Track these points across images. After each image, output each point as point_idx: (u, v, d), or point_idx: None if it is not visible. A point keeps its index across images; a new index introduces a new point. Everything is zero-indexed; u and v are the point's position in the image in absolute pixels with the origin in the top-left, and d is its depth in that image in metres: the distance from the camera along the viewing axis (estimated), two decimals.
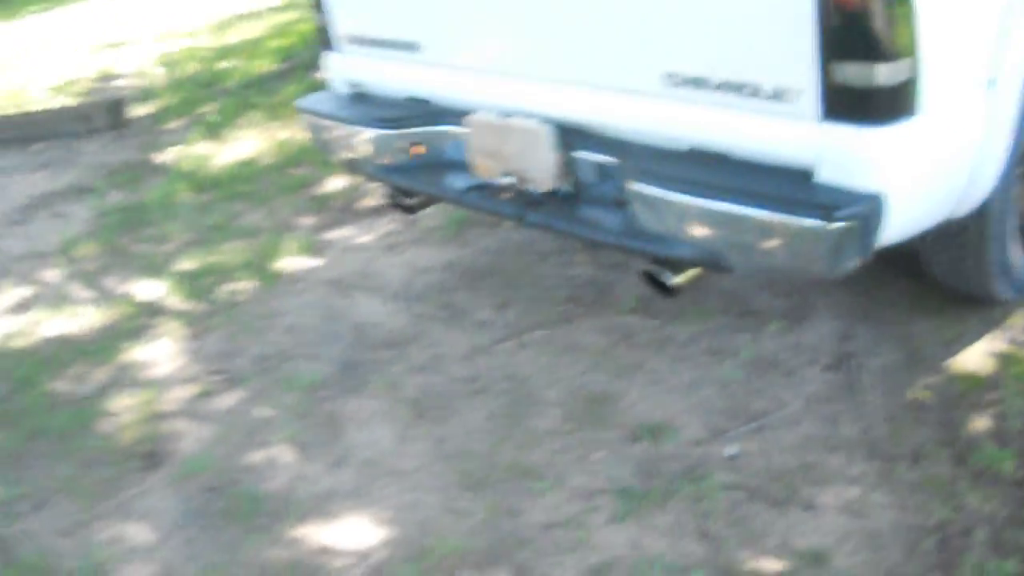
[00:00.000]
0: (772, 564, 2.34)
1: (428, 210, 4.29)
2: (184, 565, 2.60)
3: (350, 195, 4.82)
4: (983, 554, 2.29)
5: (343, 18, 3.47)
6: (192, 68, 7.88)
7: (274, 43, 8.05)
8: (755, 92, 2.39)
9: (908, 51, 2.23)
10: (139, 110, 6.93)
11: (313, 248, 4.35)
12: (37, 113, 7.06)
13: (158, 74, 7.91)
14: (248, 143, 5.88)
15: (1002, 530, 2.35)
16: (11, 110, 7.46)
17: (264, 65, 7.41)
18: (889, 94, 2.25)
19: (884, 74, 2.22)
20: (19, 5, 13.60)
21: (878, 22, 2.19)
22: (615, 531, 2.50)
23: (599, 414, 2.94)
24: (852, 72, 2.24)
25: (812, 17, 2.22)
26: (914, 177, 2.40)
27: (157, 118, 6.72)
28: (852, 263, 2.37)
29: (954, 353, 3.00)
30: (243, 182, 5.28)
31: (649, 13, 2.53)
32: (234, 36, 8.79)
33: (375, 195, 4.66)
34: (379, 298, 3.83)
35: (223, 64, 7.83)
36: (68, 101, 7.52)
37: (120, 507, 2.85)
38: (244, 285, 4.11)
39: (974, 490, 2.47)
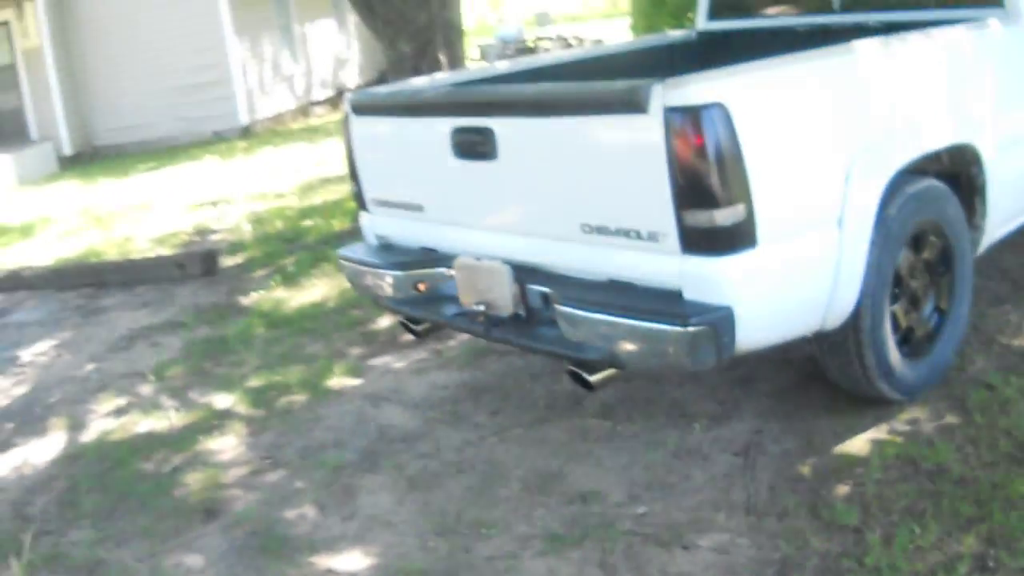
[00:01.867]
0: None
1: (452, 342, 5.29)
2: None
3: (393, 331, 5.78)
4: None
5: (370, 186, 4.51)
6: (278, 225, 9.13)
7: (352, 204, 9.24)
8: (638, 235, 3.32)
9: (740, 199, 3.12)
10: (229, 260, 8.15)
11: (357, 371, 5.31)
12: (140, 260, 8.35)
13: (248, 230, 9.17)
14: (318, 289, 6.95)
15: (831, 561, 3.10)
16: (118, 257, 8.78)
17: (340, 224, 8.60)
18: (727, 232, 3.14)
19: (721, 217, 3.12)
20: (130, 165, 15.38)
21: (712, 180, 3.10)
22: (539, 562, 3.32)
23: (548, 486, 3.78)
24: (698, 217, 3.15)
25: (667, 179, 3.14)
26: (759, 293, 3.24)
27: (244, 267, 7.90)
28: (711, 360, 3.21)
29: (842, 441, 3.78)
30: (309, 320, 6.32)
31: (565, 183, 3.51)
32: (318, 198, 10.08)
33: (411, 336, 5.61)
34: (401, 407, 4.75)
35: (305, 222, 9.07)
36: (167, 251, 8.81)
37: (183, 544, 3.77)
38: (298, 397, 5.08)
39: (818, 535, 3.24)
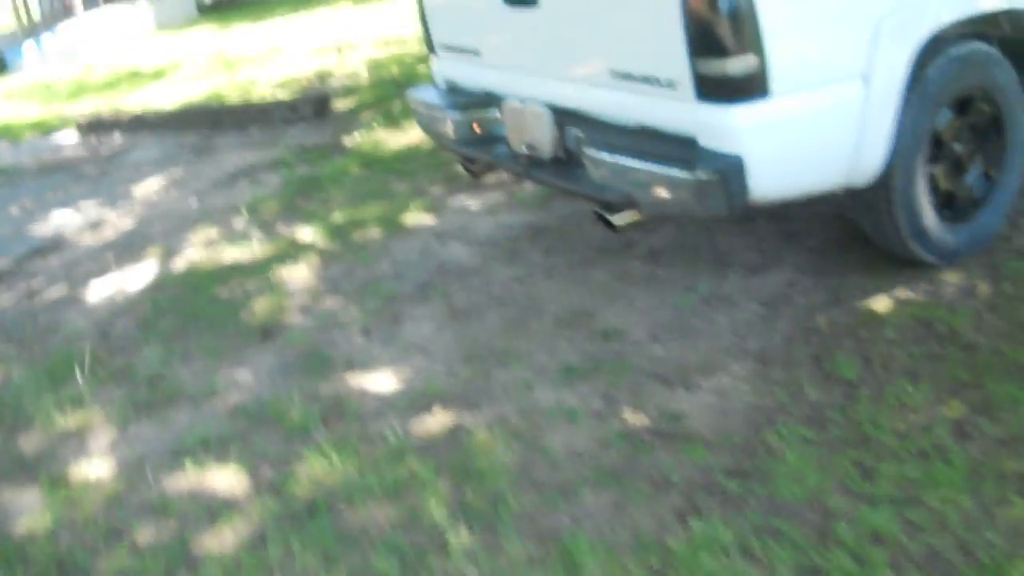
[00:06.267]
0: (640, 417, 3.30)
1: (528, 185, 5.43)
2: (266, 392, 3.83)
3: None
4: (792, 423, 3.15)
5: (437, 31, 4.64)
6: (394, 71, 9.32)
7: None
8: (658, 82, 3.37)
9: (752, 50, 3.12)
10: (341, 104, 8.41)
11: (433, 209, 5.54)
12: (256, 104, 8.71)
13: (364, 74, 9.40)
14: (416, 131, 7.14)
15: (818, 411, 3.20)
16: (239, 100, 9.15)
17: None
18: (739, 81, 3.16)
19: (732, 66, 3.14)
20: (267, 11, 15.78)
21: (723, 29, 3.11)
22: (548, 392, 3.52)
23: (577, 322, 3.96)
24: (710, 66, 3.18)
25: (682, 27, 3.18)
26: (771, 143, 3.25)
27: (353, 111, 8.16)
28: (723, 207, 3.27)
29: (868, 299, 3.81)
30: (400, 161, 6.55)
31: (597, 29, 3.56)
32: None
33: (495, 175, 5.79)
34: (465, 244, 4.96)
35: (420, 67, 9.23)
36: (286, 95, 9.14)
37: (237, 362, 4.12)
38: (373, 232, 5.35)
39: (814, 386, 3.32)
